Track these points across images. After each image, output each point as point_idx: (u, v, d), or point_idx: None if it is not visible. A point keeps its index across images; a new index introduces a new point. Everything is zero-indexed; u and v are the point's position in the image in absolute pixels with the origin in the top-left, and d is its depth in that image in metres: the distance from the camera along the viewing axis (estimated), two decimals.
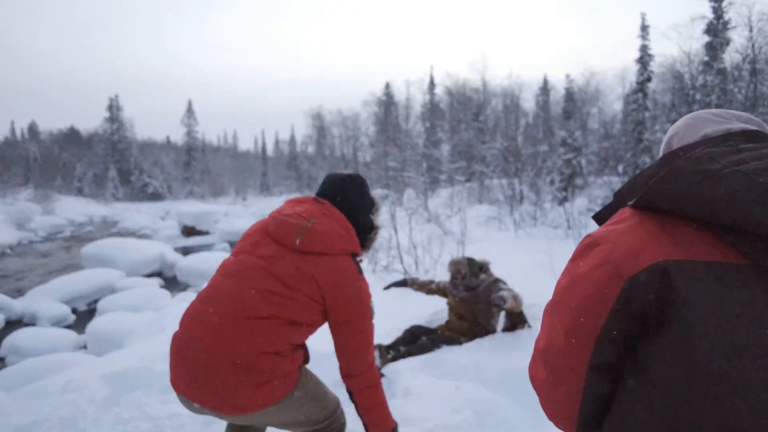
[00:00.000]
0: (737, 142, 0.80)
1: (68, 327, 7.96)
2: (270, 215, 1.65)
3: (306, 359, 1.65)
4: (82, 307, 9.10)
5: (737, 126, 0.86)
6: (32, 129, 69.71)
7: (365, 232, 1.70)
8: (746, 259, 0.67)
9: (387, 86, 41.85)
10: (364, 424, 1.67)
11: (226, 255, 12.38)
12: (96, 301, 8.92)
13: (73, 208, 35.22)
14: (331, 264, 1.53)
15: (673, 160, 0.83)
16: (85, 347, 6.52)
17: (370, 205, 1.74)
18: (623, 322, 0.73)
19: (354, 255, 1.63)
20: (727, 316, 0.64)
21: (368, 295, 1.60)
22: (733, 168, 0.69)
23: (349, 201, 1.67)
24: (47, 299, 8.62)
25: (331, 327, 1.60)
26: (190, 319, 1.56)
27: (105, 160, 50.51)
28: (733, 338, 0.63)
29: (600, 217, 0.96)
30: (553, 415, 0.87)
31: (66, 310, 8.42)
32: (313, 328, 1.58)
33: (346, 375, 1.63)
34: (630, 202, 0.83)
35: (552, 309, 0.85)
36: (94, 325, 6.60)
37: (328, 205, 1.64)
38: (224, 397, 1.42)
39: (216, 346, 1.43)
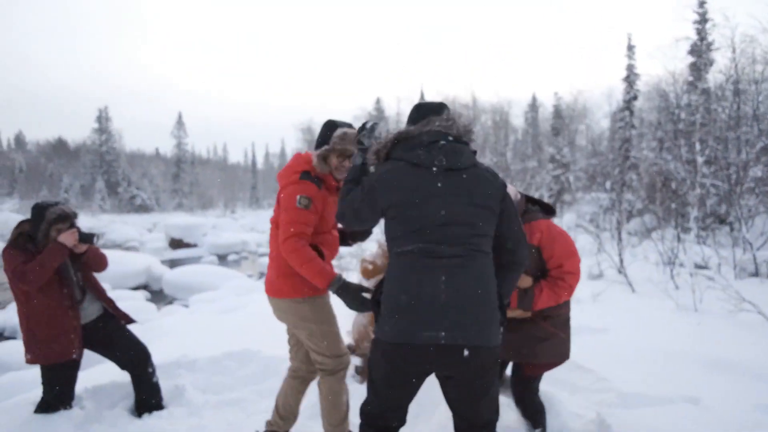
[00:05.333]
0: None
1: None
2: None
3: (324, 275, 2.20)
4: None
5: None
6: (19, 139, 69.04)
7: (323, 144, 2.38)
8: None
9: (378, 101, 42.15)
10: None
11: (213, 268, 12.30)
12: None
13: None
14: (282, 185, 2.44)
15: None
16: None
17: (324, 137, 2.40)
18: None
19: (306, 172, 2.35)
20: None
21: (293, 196, 2.28)
22: None
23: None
24: None
25: None
26: None
27: (92, 171, 50.09)
28: None
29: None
30: None
31: None
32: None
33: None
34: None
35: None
36: None
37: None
38: (266, 280, 2.47)
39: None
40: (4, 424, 2.68)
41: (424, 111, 1.90)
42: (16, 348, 6.50)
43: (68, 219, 2.85)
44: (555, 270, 2.35)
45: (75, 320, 2.78)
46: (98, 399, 3.00)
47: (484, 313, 1.70)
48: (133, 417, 2.95)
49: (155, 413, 2.96)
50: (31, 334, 2.74)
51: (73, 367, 2.82)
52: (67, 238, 2.75)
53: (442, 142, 1.78)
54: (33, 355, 2.74)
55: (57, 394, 2.77)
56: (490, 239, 1.79)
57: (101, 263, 3.00)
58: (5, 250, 2.75)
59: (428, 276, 1.69)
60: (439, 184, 1.73)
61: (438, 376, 1.83)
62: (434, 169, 1.75)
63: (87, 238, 2.86)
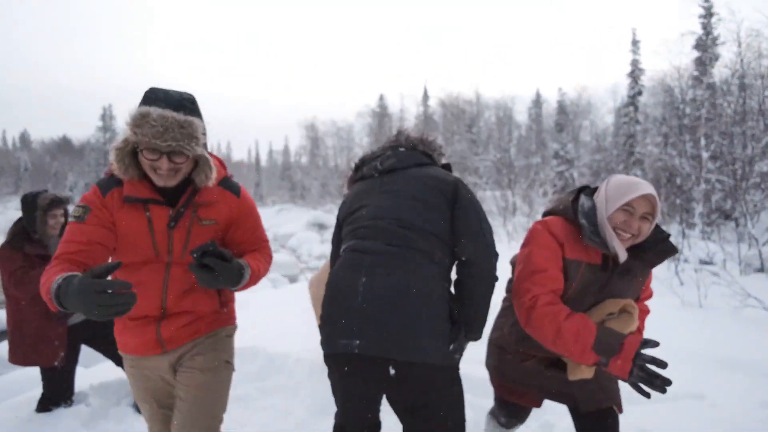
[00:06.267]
0: None
1: None
2: None
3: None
4: None
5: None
6: (24, 137, 69.31)
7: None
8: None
9: (381, 98, 42.06)
10: None
11: None
12: None
13: None
14: None
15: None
16: None
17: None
18: None
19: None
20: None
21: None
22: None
23: None
24: None
25: None
26: None
27: (97, 169, 50.19)
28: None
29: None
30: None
31: None
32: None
33: None
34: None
35: None
36: None
37: None
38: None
39: None
40: (9, 421, 2.70)
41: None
42: None
43: (62, 203, 2.81)
44: (642, 302, 1.86)
45: (61, 328, 2.75)
46: (104, 396, 3.02)
47: (411, 320, 1.44)
48: (138, 414, 2.97)
49: None
50: (16, 336, 2.73)
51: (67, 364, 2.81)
52: None
53: (387, 152, 1.80)
54: (15, 357, 2.73)
55: (56, 391, 2.79)
56: (430, 236, 1.57)
57: None
58: (2, 250, 2.70)
59: (350, 275, 1.54)
60: (377, 186, 1.73)
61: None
62: (375, 175, 1.77)
63: None
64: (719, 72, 15.62)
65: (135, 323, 1.67)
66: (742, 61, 13.62)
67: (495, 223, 12.64)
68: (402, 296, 1.46)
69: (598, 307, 1.68)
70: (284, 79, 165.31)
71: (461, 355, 1.58)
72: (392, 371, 1.46)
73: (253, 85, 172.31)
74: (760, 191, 10.10)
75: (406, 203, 1.61)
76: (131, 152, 1.56)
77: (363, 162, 1.86)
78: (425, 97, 38.45)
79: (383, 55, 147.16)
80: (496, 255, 1.62)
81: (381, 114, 41.48)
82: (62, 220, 2.81)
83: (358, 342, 1.45)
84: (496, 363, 1.97)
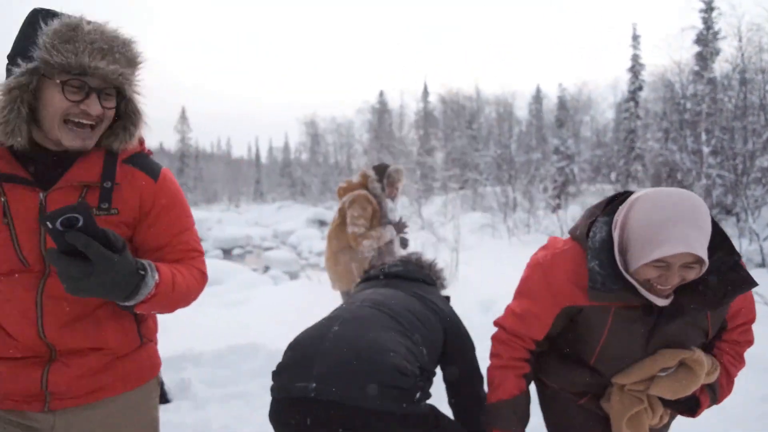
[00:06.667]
0: None
1: None
2: None
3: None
4: None
5: None
6: None
7: None
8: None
9: (381, 94, 41.95)
10: None
11: (218, 262, 12.32)
12: None
13: None
14: None
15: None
16: None
17: None
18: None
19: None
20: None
21: None
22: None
23: None
24: None
25: None
26: None
27: None
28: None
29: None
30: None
31: None
32: None
33: None
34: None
35: None
36: None
37: None
38: None
39: None
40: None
41: None
42: None
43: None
44: (733, 332, 1.48)
45: None
46: None
47: (373, 368, 1.34)
48: None
49: (160, 407, 2.97)
50: None
51: None
52: None
53: (396, 262, 1.97)
54: None
55: None
56: (415, 335, 1.54)
57: None
58: None
59: (323, 323, 1.53)
60: (379, 285, 1.85)
61: None
62: (381, 276, 1.92)
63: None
64: (720, 67, 15.58)
65: (7, 365, 1.08)
66: (743, 55, 13.57)
67: (496, 219, 12.63)
68: (369, 347, 1.39)
69: (650, 359, 1.33)
70: (284, 76, 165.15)
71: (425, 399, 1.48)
72: (331, 411, 1.33)
73: (253, 82, 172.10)
74: (761, 186, 10.08)
75: (401, 304, 1.62)
76: (32, 94, 1.03)
77: (371, 267, 2.00)
78: (425, 93, 38.37)
79: (383, 51, 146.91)
80: (481, 379, 1.73)
81: (381, 110, 41.38)
82: None
83: (314, 385, 1.32)
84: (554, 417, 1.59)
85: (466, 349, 1.73)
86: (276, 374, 1.48)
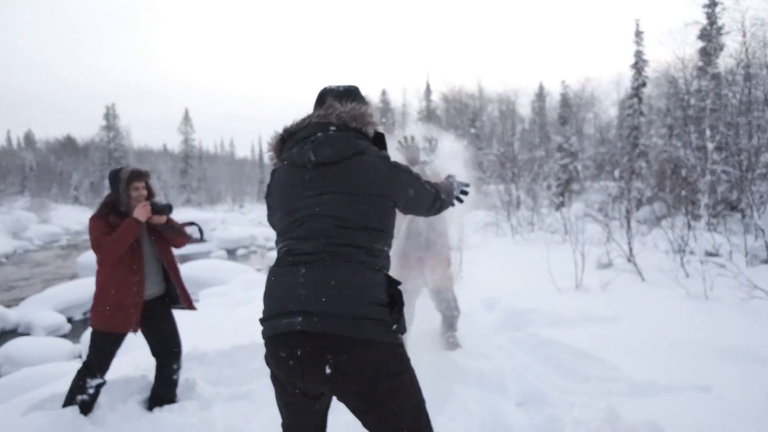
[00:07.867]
0: None
1: (64, 336, 7.89)
2: None
3: None
4: (77, 316, 9.02)
5: None
6: (28, 138, 69.54)
7: None
8: None
9: (383, 93, 41.96)
10: None
11: (223, 262, 12.37)
12: None
13: (69, 217, 35.09)
14: None
15: None
16: (80, 356, 6.46)
17: None
18: None
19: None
20: None
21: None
22: None
23: None
24: (42, 308, 8.54)
25: None
26: None
27: (101, 168, 50.33)
28: None
29: None
30: None
31: (61, 319, 8.35)
32: None
33: None
34: None
35: None
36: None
37: None
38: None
39: None
40: (13, 419, 2.72)
41: (323, 97, 1.80)
42: (31, 344, 6.60)
43: (142, 177, 2.96)
44: None
45: (138, 297, 2.87)
46: (111, 393, 3.04)
47: (353, 303, 1.46)
48: (145, 410, 2.99)
49: (166, 407, 3.00)
50: (98, 299, 2.87)
51: (120, 340, 2.92)
52: (140, 213, 2.83)
53: (318, 134, 1.63)
54: (93, 320, 2.88)
55: (99, 359, 2.86)
56: (371, 230, 1.57)
57: (180, 238, 3.05)
58: (91, 219, 2.90)
59: (288, 271, 1.55)
60: (308, 179, 1.62)
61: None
62: (308, 166, 1.63)
63: (162, 209, 2.92)
64: (724, 62, 15.50)
65: None
66: (747, 50, 13.50)
67: (499, 217, 12.62)
68: (344, 285, 1.47)
69: None
70: (287, 76, 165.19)
71: (402, 333, 1.56)
72: (329, 369, 1.44)
73: (256, 82, 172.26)
74: (766, 182, 10.03)
75: (343, 199, 1.56)
76: None
77: (290, 135, 1.72)
78: (428, 91, 38.35)
79: (385, 50, 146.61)
80: (439, 199, 1.88)
81: (384, 109, 41.37)
82: (144, 192, 2.95)
83: (300, 319, 1.45)
84: None
85: (406, 183, 1.69)
86: (263, 321, 1.59)
